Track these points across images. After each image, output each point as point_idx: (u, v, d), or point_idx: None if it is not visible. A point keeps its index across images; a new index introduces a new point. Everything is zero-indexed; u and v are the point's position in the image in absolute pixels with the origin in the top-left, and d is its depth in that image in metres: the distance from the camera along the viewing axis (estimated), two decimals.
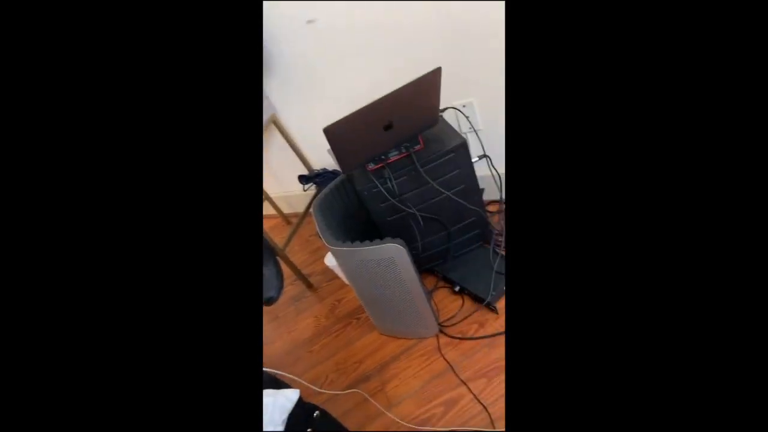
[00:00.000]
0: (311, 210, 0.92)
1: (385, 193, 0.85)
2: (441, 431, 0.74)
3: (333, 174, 1.25)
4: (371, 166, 0.86)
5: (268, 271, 1.08)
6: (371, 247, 0.73)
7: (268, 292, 1.06)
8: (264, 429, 0.49)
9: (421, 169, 0.83)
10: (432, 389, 0.81)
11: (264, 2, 1.00)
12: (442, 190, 0.86)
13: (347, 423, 0.70)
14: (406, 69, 1.00)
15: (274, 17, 1.03)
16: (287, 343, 1.08)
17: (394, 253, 0.73)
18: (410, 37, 0.95)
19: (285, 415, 0.53)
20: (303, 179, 1.27)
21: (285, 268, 1.19)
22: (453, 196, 0.87)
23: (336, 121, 0.67)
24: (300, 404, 0.58)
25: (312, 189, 1.31)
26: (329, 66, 1.09)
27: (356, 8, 0.94)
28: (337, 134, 0.69)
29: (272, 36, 1.08)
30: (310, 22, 0.98)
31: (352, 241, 0.77)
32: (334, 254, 0.83)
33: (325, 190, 0.97)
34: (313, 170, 1.33)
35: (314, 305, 1.17)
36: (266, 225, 1.63)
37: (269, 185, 1.55)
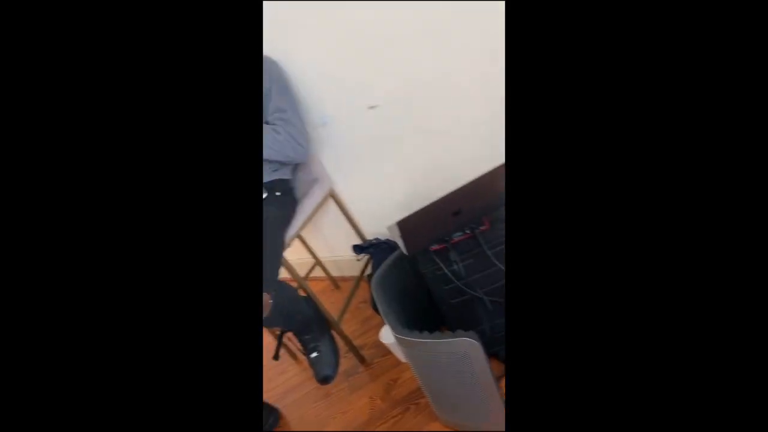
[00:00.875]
0: (372, 288, 0.92)
1: (452, 276, 0.84)
2: None
3: (387, 243, 1.27)
4: (434, 246, 0.87)
5: (324, 347, 1.08)
6: (444, 341, 0.71)
7: (324, 370, 1.05)
8: None
9: (489, 252, 0.82)
10: None
11: (328, 87, 1.10)
12: None
13: None
14: (460, 147, 1.03)
15: (335, 100, 1.12)
16: (342, 426, 1.04)
17: (468, 348, 0.70)
18: (462, 117, 0.99)
19: None
20: (357, 249, 1.29)
21: (337, 340, 1.18)
22: None
23: (409, 215, 0.69)
24: None
25: (364, 258, 1.33)
26: (387, 144, 1.15)
27: (414, 91, 1.00)
28: (409, 226, 0.71)
29: (334, 116, 1.17)
30: (372, 107, 1.06)
31: (411, 321, 0.76)
32: (401, 343, 0.81)
33: (384, 267, 0.98)
34: (366, 240, 1.35)
35: (368, 383, 1.13)
36: (316, 288, 1.66)
37: (320, 249, 1.59)
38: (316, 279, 1.71)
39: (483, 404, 0.79)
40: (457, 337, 0.70)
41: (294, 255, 1.63)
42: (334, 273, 1.65)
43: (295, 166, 1.20)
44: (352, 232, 1.39)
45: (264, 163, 1.06)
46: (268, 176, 1.07)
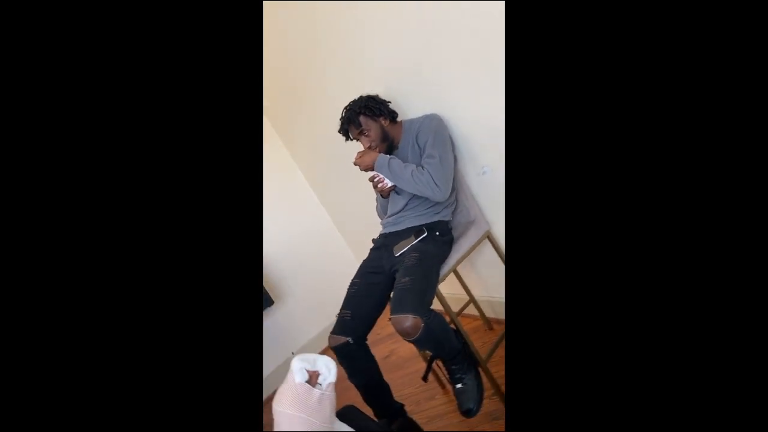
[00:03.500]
0: None
1: None
2: None
3: None
4: None
5: (470, 381, 1.19)
6: None
7: (468, 403, 1.16)
8: None
9: None
10: None
11: (490, 138, 1.27)
12: None
13: None
14: None
15: (496, 149, 1.27)
16: None
17: None
18: None
19: None
20: None
21: (485, 380, 1.26)
22: None
23: None
24: None
25: None
26: None
27: None
28: None
29: (492, 166, 1.32)
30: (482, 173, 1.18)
31: None
32: None
33: None
34: None
35: None
36: (468, 326, 1.77)
37: (475, 287, 1.72)
38: (469, 317, 1.82)
39: None
40: None
41: (449, 289, 1.80)
42: (489, 313, 1.72)
43: (455, 209, 1.40)
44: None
45: (426, 206, 1.30)
46: (430, 218, 1.30)
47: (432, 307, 1.12)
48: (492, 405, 1.29)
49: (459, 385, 1.18)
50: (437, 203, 1.30)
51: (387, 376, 1.33)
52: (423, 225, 1.30)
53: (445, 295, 1.24)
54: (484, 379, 1.25)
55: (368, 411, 1.28)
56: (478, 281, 1.70)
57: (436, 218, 1.31)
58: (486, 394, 1.33)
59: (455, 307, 1.75)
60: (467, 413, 1.14)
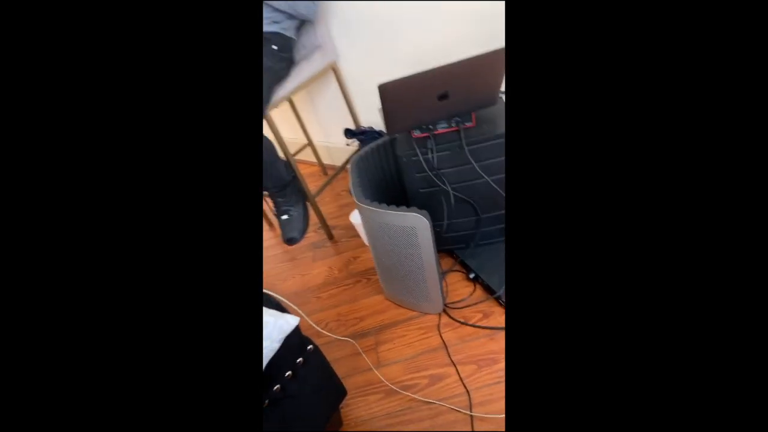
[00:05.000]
0: (348, 165, 0.98)
1: (424, 163, 0.89)
2: (419, 399, 0.82)
3: (378, 134, 1.30)
4: (417, 134, 0.90)
5: (296, 213, 1.18)
6: (395, 212, 0.79)
7: (291, 232, 1.17)
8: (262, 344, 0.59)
9: (466, 148, 0.86)
10: (422, 361, 0.89)
11: None
12: (483, 174, 0.89)
13: (335, 368, 0.79)
14: (480, 40, 1.00)
15: None
16: (297, 285, 1.20)
17: (416, 223, 0.79)
18: (487, 6, 0.95)
19: (282, 336, 0.63)
20: (348, 133, 1.33)
21: (312, 215, 1.28)
22: (492, 183, 0.90)
23: (392, 80, 0.71)
24: (297, 332, 0.66)
25: (354, 145, 1.37)
26: (400, 23, 1.11)
27: None
28: (390, 93, 0.74)
29: None
30: None
31: (380, 203, 0.83)
32: (360, 211, 0.90)
33: (366, 148, 1.03)
34: (360, 126, 1.38)
35: (331, 256, 1.26)
36: (304, 171, 1.74)
37: (314, 132, 1.64)
38: (306, 163, 1.79)
39: (422, 282, 0.90)
40: (409, 211, 0.78)
41: (288, 133, 1.68)
42: (325, 160, 1.71)
43: (300, 27, 1.18)
44: (348, 116, 1.41)
45: (265, 12, 1.04)
46: (267, 26, 1.06)
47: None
48: (317, 237, 1.36)
49: (285, 217, 1.17)
50: (276, 11, 1.05)
51: None
52: None
53: (284, 138, 1.10)
54: (312, 214, 1.28)
55: None
56: (317, 126, 1.62)
57: (273, 28, 1.07)
58: (313, 228, 1.39)
59: (293, 150, 1.67)
60: (290, 241, 1.17)
